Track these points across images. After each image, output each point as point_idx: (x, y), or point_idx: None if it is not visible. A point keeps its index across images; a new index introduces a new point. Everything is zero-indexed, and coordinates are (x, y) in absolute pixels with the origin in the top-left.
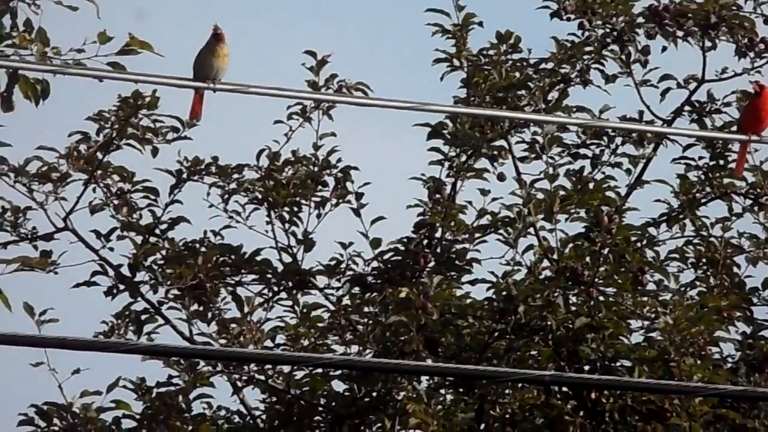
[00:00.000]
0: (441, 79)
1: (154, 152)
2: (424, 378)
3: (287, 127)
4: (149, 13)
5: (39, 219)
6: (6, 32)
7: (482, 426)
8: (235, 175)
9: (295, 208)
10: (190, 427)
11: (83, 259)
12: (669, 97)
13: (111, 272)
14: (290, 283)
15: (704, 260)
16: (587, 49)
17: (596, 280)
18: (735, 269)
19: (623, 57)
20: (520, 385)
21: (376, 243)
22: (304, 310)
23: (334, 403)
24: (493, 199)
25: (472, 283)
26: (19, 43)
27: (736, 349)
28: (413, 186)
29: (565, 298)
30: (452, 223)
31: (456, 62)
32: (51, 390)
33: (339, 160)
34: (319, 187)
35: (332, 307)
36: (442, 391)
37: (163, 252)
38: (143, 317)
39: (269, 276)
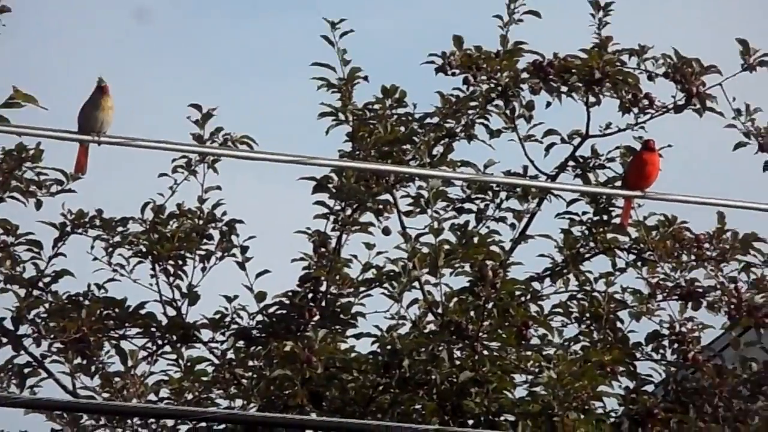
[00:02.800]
0: (326, 133)
1: (38, 205)
2: None
3: (172, 180)
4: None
5: None
6: None
7: None
8: (120, 228)
9: (180, 262)
10: None
11: None
12: (553, 152)
13: None
14: (174, 337)
15: (588, 315)
16: (472, 103)
17: (480, 334)
18: (618, 324)
19: (508, 112)
20: None
21: (261, 296)
22: (188, 364)
23: None
24: (378, 253)
25: (357, 336)
26: None
27: (619, 404)
28: (298, 239)
29: (449, 352)
30: (337, 277)
31: (341, 116)
32: None
33: (224, 214)
34: (204, 240)
35: (216, 361)
36: None
37: (47, 305)
38: (26, 371)
39: (153, 329)
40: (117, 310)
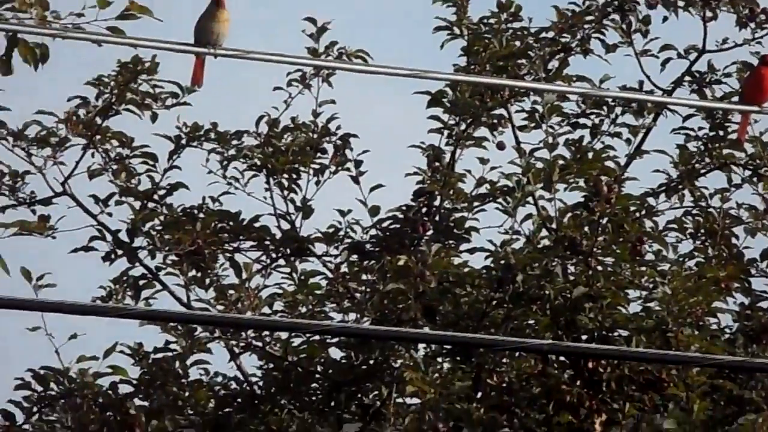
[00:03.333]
0: (441, 47)
1: (153, 118)
2: (421, 346)
3: (287, 94)
4: None
5: (37, 183)
6: None
7: (479, 394)
8: (234, 142)
9: (294, 175)
10: (187, 393)
11: (81, 224)
12: (669, 68)
13: (109, 237)
14: (288, 250)
15: (703, 231)
16: (588, 18)
17: (595, 249)
18: (733, 240)
19: (624, 26)
20: (517, 354)
21: (374, 211)
22: (302, 277)
23: (331, 371)
24: (492, 168)
25: (471, 251)
26: (18, 7)
27: (733, 320)
28: (412, 154)
29: (563, 268)
30: (451, 192)
31: (456, 30)
32: (48, 355)
33: (338, 127)
34: (318, 154)
35: (330, 275)
36: (440, 360)
37: (162, 218)
38: (141, 283)
39: (267, 243)
40: (231, 223)
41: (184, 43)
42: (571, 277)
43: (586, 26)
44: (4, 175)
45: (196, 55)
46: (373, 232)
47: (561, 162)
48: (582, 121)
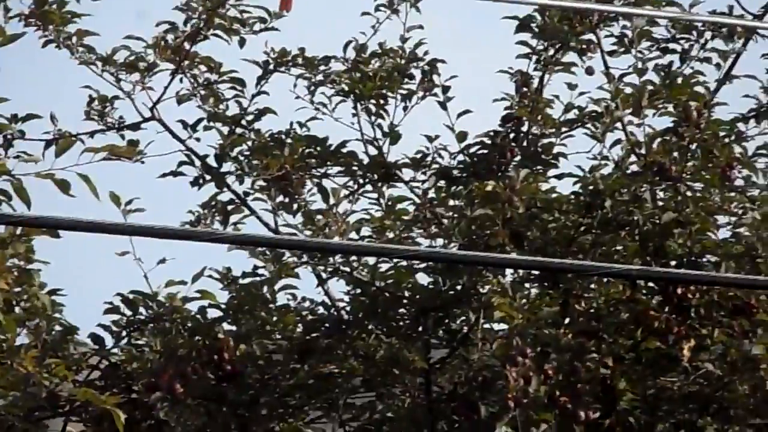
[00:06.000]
0: None
1: (241, 43)
2: (509, 271)
3: (374, 19)
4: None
5: (126, 108)
6: None
7: (567, 320)
8: (322, 67)
9: (382, 101)
10: (275, 318)
11: (170, 149)
12: None
13: (197, 162)
14: (376, 176)
15: None
16: None
17: (684, 175)
18: None
19: None
20: (605, 279)
21: (462, 136)
22: (390, 203)
23: (418, 296)
24: (581, 94)
25: (559, 177)
26: None
27: None
28: (500, 79)
29: (652, 193)
30: (539, 117)
31: None
32: (137, 279)
33: (426, 53)
34: (406, 79)
35: (417, 200)
36: (527, 285)
37: (250, 143)
38: (229, 208)
39: (355, 168)
40: (319, 148)
41: None
42: (660, 203)
43: None
44: (94, 100)
45: None
46: (460, 157)
47: (650, 87)
48: (671, 45)
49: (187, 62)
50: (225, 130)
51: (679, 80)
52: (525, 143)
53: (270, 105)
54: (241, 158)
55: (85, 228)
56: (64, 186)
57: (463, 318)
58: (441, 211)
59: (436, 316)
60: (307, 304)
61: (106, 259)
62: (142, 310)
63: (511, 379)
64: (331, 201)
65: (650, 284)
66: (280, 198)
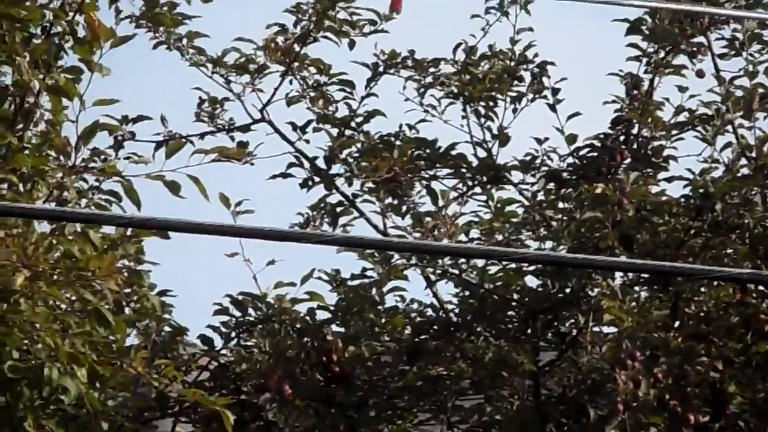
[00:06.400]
0: None
1: (351, 45)
2: (618, 274)
3: (484, 21)
4: None
5: (236, 110)
6: None
7: (676, 323)
8: (431, 69)
9: (491, 103)
10: (384, 320)
11: (279, 151)
12: None
13: (306, 164)
14: (485, 178)
15: None
16: None
17: None
18: None
19: None
20: (715, 282)
21: (571, 138)
22: (499, 205)
23: (527, 299)
24: (691, 96)
25: (669, 180)
26: None
27: None
28: (610, 82)
29: (763, 196)
30: (649, 120)
31: None
32: (246, 280)
33: (536, 55)
34: (515, 82)
35: (527, 202)
36: (637, 288)
37: (359, 145)
38: (338, 209)
39: (464, 170)
40: (428, 150)
41: None
42: None
43: None
44: (204, 102)
45: None
46: (570, 160)
47: (761, 90)
48: None
49: (296, 64)
50: (334, 132)
51: None
52: (635, 146)
53: (379, 107)
54: (350, 160)
55: (194, 229)
56: (174, 187)
57: (572, 321)
58: (550, 213)
59: (544, 318)
60: (415, 306)
61: (215, 261)
62: (251, 311)
63: (620, 382)
64: (440, 203)
65: (760, 288)
66: (389, 200)
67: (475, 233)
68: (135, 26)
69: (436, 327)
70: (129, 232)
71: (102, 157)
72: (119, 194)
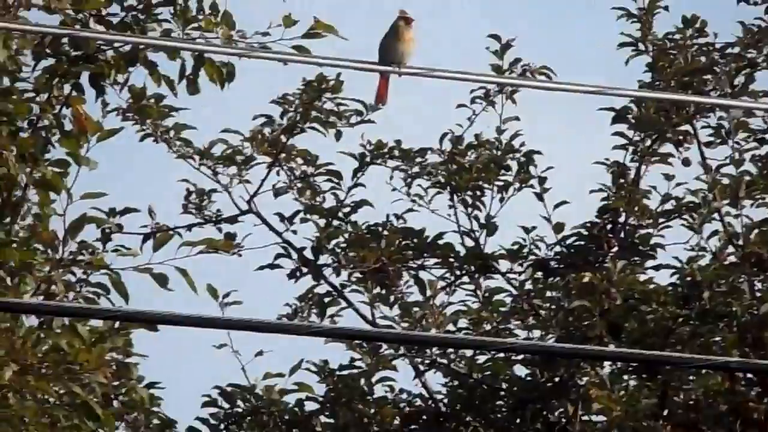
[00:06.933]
0: (626, 63)
1: (338, 136)
2: (607, 363)
3: (470, 111)
4: None
5: (223, 201)
6: (192, 15)
7: (665, 412)
8: (418, 159)
9: (478, 192)
10: (373, 410)
11: (267, 242)
12: None
13: (294, 255)
14: (473, 267)
15: None
16: None
17: None
18: None
19: None
20: (704, 371)
21: (559, 227)
22: (487, 295)
23: (516, 388)
24: (678, 184)
25: (656, 268)
26: (204, 27)
27: None
28: (597, 170)
29: (750, 284)
30: (636, 208)
31: (641, 46)
32: (234, 371)
33: (522, 144)
34: (502, 171)
35: (515, 292)
36: (626, 377)
37: (346, 235)
38: (326, 300)
39: (452, 260)
40: (415, 240)
41: (369, 62)
42: (758, 294)
43: None
44: (191, 194)
45: (381, 73)
46: (557, 248)
47: (747, 178)
48: None
49: (283, 155)
50: (322, 222)
51: None
52: (622, 234)
53: (366, 197)
54: (338, 250)
55: (182, 322)
56: (161, 280)
57: (562, 410)
58: (538, 302)
59: (534, 408)
60: (404, 396)
61: (203, 352)
62: (239, 402)
63: None
64: (428, 293)
65: (749, 376)
66: (377, 290)
67: (463, 323)
68: (122, 119)
69: (425, 417)
70: (117, 324)
71: (90, 250)
72: (107, 287)
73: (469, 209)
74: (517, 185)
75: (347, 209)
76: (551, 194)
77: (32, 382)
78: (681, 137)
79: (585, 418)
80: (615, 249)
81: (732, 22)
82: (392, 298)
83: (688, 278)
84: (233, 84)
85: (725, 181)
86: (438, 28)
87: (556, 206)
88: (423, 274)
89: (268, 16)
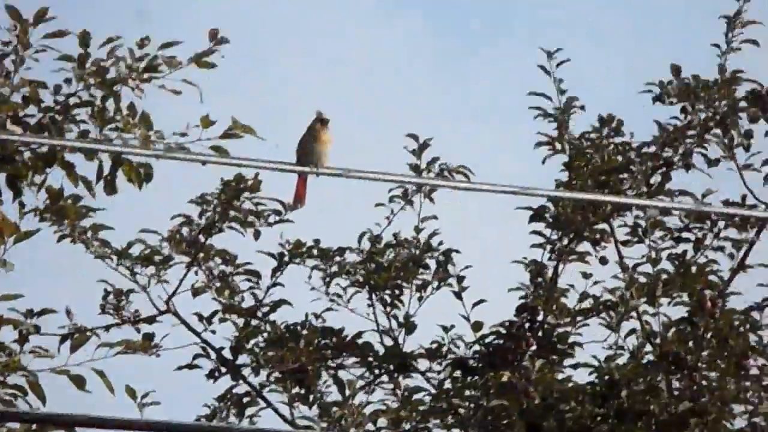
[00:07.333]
0: (543, 162)
1: (256, 235)
2: None
3: (389, 210)
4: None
5: (141, 302)
6: (110, 116)
7: None
8: (337, 258)
9: (397, 291)
10: None
11: (185, 342)
12: None
13: (213, 355)
14: (392, 366)
15: None
16: (690, 132)
17: (699, 364)
18: None
19: (726, 141)
20: None
21: (477, 326)
22: (406, 394)
23: None
24: (595, 283)
25: (575, 367)
26: (123, 127)
27: None
28: (515, 269)
29: (668, 383)
30: (554, 307)
31: (558, 145)
32: None
33: (440, 243)
34: (421, 269)
35: (434, 391)
36: None
37: (265, 335)
38: (245, 400)
39: (370, 359)
40: (335, 339)
41: (287, 162)
42: (676, 392)
43: (688, 141)
44: (109, 294)
45: (299, 173)
46: (476, 347)
47: (664, 276)
48: (685, 235)
49: (202, 255)
50: (240, 322)
51: (693, 269)
52: (540, 333)
53: (285, 296)
54: (257, 350)
55: (100, 424)
56: (79, 382)
57: None
58: (457, 401)
59: None
60: None
61: None
62: None
63: None
64: (347, 392)
65: None
66: (296, 390)
67: (382, 422)
68: (39, 220)
69: None
70: (34, 427)
71: (7, 351)
72: (24, 389)
73: (388, 308)
74: (435, 284)
75: (266, 309)
76: (470, 293)
77: None
78: (598, 236)
79: None
80: (533, 348)
81: (648, 121)
82: (311, 397)
83: (606, 377)
84: (151, 184)
85: (642, 279)
86: (356, 127)
87: (475, 305)
88: (342, 374)
89: (186, 117)
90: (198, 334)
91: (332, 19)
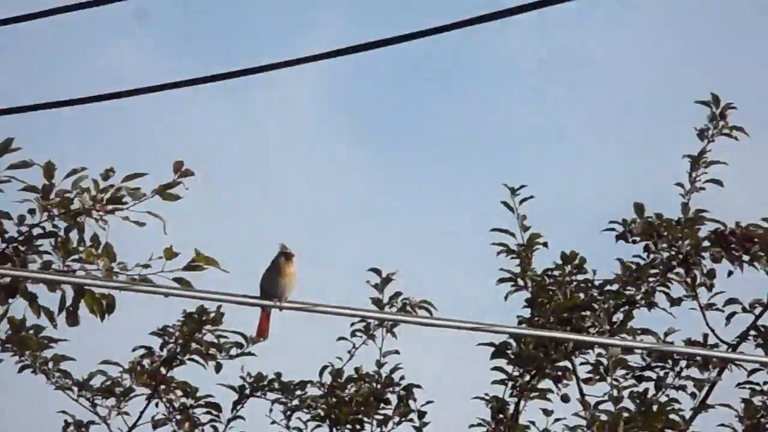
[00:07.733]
0: (505, 299)
1: (218, 368)
2: None
3: (350, 344)
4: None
5: None
6: (73, 247)
7: None
8: (298, 392)
9: (358, 426)
10: None
11: None
12: (734, 322)
13: None
14: None
15: None
16: (652, 271)
17: None
18: None
19: (689, 280)
20: None
21: None
22: None
23: None
24: (557, 420)
25: None
26: (85, 258)
27: None
28: (476, 405)
29: None
30: None
31: (521, 282)
32: None
33: (402, 378)
34: (382, 404)
35: None
36: None
37: None
38: None
39: None
40: None
41: (250, 296)
42: None
43: (650, 279)
44: (69, 425)
45: (262, 307)
46: None
47: (626, 415)
48: (647, 373)
49: (163, 387)
50: None
51: (655, 408)
52: None
53: (246, 430)
54: None
55: None
56: None
57: None
58: None
59: None
60: None
61: None
62: None
63: None
64: None
65: None
66: None
67: None
68: (1, 350)
69: None
70: None
71: None
72: None
73: None
74: (396, 419)
75: None
76: (430, 428)
77: None
78: (560, 373)
79: None
80: None
81: (610, 259)
82: None
83: None
84: (113, 315)
85: (604, 417)
86: (319, 261)
87: None
88: None
89: (149, 248)
90: None
91: (304, 155)
